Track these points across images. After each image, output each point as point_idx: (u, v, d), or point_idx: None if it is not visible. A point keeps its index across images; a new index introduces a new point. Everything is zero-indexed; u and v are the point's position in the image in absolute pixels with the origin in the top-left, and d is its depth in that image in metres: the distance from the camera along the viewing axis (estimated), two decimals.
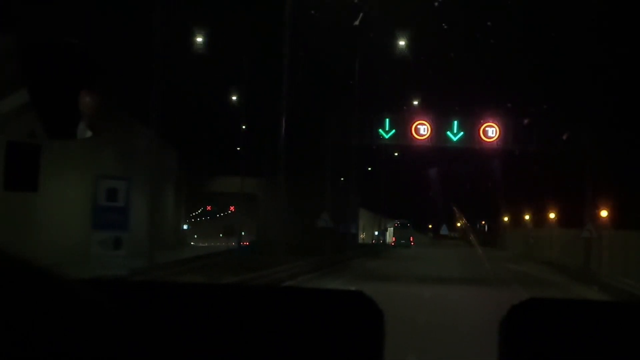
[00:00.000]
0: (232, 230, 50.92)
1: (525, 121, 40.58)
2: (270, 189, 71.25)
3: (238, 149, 76.61)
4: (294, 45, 38.25)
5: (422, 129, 40.41)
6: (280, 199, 73.44)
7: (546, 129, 40.41)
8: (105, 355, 1.16)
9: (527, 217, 66.11)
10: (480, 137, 40.33)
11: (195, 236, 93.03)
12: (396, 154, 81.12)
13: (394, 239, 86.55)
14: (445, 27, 39.54)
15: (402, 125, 40.80)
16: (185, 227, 70.28)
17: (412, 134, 40.46)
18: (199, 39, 44.22)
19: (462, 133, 40.62)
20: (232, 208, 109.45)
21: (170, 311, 2.04)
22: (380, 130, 40.83)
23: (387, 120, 40.82)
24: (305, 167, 55.78)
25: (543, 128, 40.45)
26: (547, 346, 2.05)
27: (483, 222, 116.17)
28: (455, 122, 40.63)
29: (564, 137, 39.89)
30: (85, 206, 25.20)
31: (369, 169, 77.74)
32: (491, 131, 40.32)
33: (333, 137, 41.30)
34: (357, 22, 40.99)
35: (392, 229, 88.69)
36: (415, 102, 44.84)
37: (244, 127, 73.35)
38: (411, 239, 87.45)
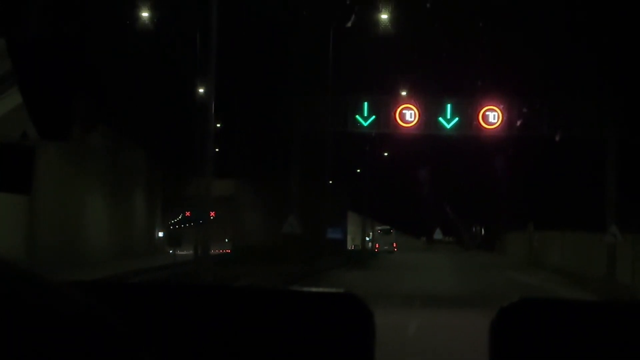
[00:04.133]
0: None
1: (534, 103, 33.69)
2: (242, 192, 66.19)
3: (217, 150, 71.47)
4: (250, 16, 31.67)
5: (408, 115, 33.49)
6: (254, 201, 67.45)
7: (559, 112, 33.44)
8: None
9: (530, 217, 59.41)
10: (480, 123, 33.41)
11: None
12: (385, 154, 76.58)
13: (377, 245, 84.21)
14: None
15: (384, 110, 33.86)
16: (160, 234, 65.10)
17: (396, 120, 33.53)
18: (144, 13, 38.09)
19: (457, 119, 33.72)
20: (212, 213, 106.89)
21: (161, 313, 2.05)
22: (357, 116, 33.81)
23: (366, 104, 33.80)
24: (277, 165, 50.77)
25: (555, 111, 33.47)
26: (538, 347, 2.06)
27: (479, 225, 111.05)
28: (449, 106, 33.71)
29: (558, 133, 33.02)
30: None
31: (358, 170, 73.81)
32: (492, 116, 33.43)
33: (301, 126, 34.31)
34: (349, 24, 34.94)
35: (373, 234, 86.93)
36: (399, 83, 37.77)
37: (218, 125, 67.86)
38: (394, 245, 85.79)
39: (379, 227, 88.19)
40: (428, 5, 34.60)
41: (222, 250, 66.10)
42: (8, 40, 2.28)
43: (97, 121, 34.04)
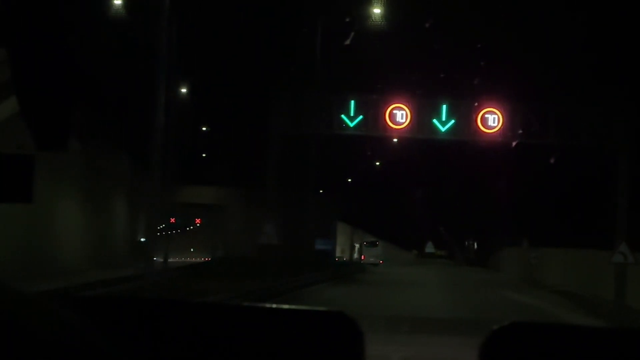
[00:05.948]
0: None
1: (538, 107, 30.71)
2: (227, 200, 63.92)
3: (204, 155, 69.16)
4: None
5: (399, 115, 30.34)
6: (240, 209, 64.38)
7: (566, 118, 30.40)
8: None
9: (527, 232, 56.37)
10: (478, 127, 30.26)
11: None
12: (377, 163, 74.86)
13: (362, 257, 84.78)
14: None
15: (373, 110, 30.69)
16: (142, 240, 62.81)
17: (385, 121, 30.36)
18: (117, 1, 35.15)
19: (452, 121, 30.58)
20: (198, 220, 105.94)
21: (144, 329, 1.95)
22: (342, 116, 30.67)
23: (352, 102, 30.63)
24: (263, 171, 48.44)
25: (562, 117, 30.40)
26: None
27: (472, 240, 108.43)
28: (444, 107, 30.56)
29: (556, 152, 29.96)
30: None
31: (349, 180, 71.98)
32: (492, 119, 30.32)
33: (280, 126, 31.17)
34: (347, 42, 32.17)
35: (359, 246, 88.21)
36: (391, 81, 34.71)
37: (204, 128, 65.35)
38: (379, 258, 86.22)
39: (365, 240, 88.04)
40: (427, 25, 32.06)
41: (203, 259, 63.85)
42: (9, 50, 2.22)
43: (96, 132, 32.24)
